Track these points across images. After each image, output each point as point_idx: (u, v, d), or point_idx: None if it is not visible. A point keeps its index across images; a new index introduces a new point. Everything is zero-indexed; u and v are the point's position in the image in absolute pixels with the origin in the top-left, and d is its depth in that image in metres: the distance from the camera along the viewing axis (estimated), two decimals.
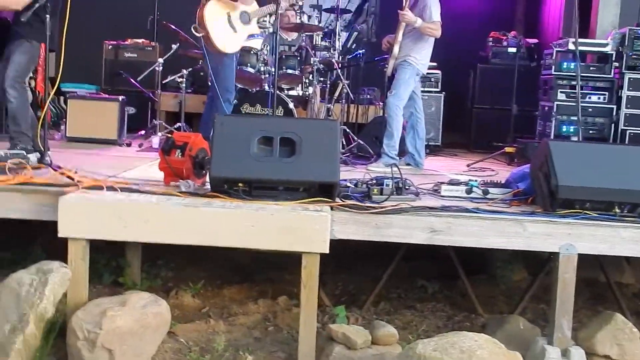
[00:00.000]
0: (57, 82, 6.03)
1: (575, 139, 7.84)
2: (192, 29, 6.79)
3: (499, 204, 4.84)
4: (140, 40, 10.52)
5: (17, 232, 5.62)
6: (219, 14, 6.67)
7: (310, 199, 4.38)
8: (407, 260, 5.79)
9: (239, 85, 7.79)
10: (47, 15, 5.51)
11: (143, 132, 8.73)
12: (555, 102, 8.15)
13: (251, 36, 7.27)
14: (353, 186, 4.84)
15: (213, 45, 6.70)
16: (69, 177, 4.79)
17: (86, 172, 5.16)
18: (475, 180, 5.28)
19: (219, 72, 6.95)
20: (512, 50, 9.99)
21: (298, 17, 8.64)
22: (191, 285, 5.40)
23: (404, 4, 6.97)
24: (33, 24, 5.80)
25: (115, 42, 10.44)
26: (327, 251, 4.20)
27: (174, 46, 8.73)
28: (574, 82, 7.95)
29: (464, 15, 10.52)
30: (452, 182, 5.27)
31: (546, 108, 8.44)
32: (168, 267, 5.76)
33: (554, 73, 8.24)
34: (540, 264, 5.60)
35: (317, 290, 4.29)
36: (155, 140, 8.06)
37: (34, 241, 5.70)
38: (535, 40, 10.27)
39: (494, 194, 5.03)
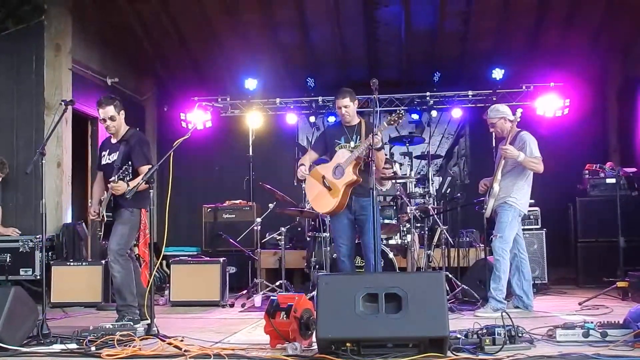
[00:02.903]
0: (162, 251, 6.18)
1: None
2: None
3: (621, 348, 4.54)
4: (237, 201, 10.83)
5: None
6: (315, 180, 6.88)
7: (421, 355, 4.22)
8: None
9: None
10: (152, 189, 5.71)
11: (245, 291, 8.80)
12: None
13: None
14: (463, 337, 4.66)
15: None
16: (176, 347, 4.80)
17: (192, 339, 5.19)
18: (592, 322, 4.99)
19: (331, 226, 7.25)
20: (611, 181, 9.77)
21: (390, 167, 8.71)
22: None
23: (505, 142, 6.96)
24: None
25: (213, 205, 10.76)
26: None
27: (271, 205, 8.91)
28: None
29: (556, 150, 10.42)
30: (566, 326, 5.00)
31: None
32: None
33: None
34: None
35: None
36: (258, 300, 8.09)
37: None
38: (633, 169, 10.03)
39: (613, 336, 4.74)
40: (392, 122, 6.60)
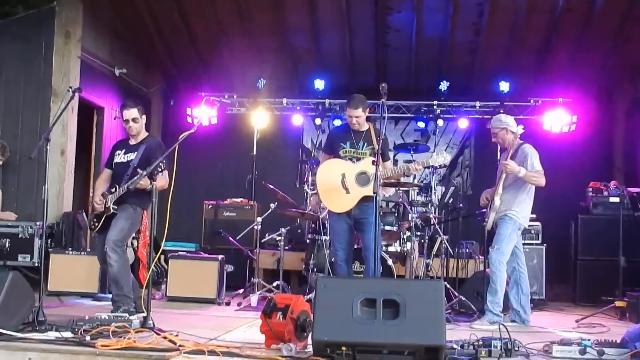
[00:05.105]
0: (161, 247, 6.16)
1: None
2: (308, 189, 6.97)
3: None
4: (239, 200, 10.82)
5: None
6: (332, 174, 6.78)
7: None
8: None
9: None
10: (154, 181, 5.69)
11: (242, 290, 8.78)
12: None
13: None
14: (459, 348, 4.65)
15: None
16: (171, 341, 4.78)
17: (187, 334, 5.16)
18: (589, 340, 4.97)
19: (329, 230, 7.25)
20: (615, 200, 9.72)
21: None
22: None
23: (507, 156, 6.95)
24: (139, 193, 6.07)
25: (214, 202, 10.74)
26: None
27: (272, 205, 8.90)
28: None
29: (561, 166, 10.39)
30: (563, 342, 4.98)
31: None
32: None
33: None
34: None
35: None
36: (254, 299, 8.07)
37: None
38: (637, 190, 10.00)
39: (610, 355, 4.72)
40: (437, 164, 6.69)
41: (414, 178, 9.65)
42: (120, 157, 6.67)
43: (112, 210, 6.37)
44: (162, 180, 6.12)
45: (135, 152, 6.55)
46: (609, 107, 11.94)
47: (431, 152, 9.38)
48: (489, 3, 10.23)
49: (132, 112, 6.59)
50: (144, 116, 6.69)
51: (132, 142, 6.71)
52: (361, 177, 6.66)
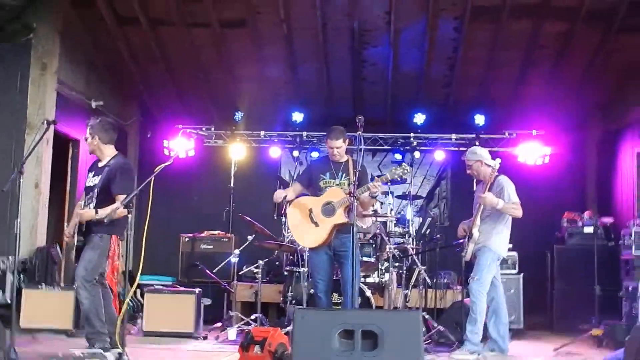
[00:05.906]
0: (137, 280, 6.07)
1: None
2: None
3: None
4: (216, 232, 10.75)
5: None
6: (300, 212, 6.82)
7: None
8: None
9: None
10: (130, 214, 5.60)
11: (219, 324, 8.71)
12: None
13: None
14: None
15: None
16: None
17: None
18: None
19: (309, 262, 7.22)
20: (589, 230, 9.84)
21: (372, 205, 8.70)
22: None
23: (484, 189, 7.00)
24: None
25: (191, 235, 10.67)
26: None
27: (250, 237, 8.87)
28: None
29: (536, 197, 10.46)
30: None
31: (630, 288, 8.17)
32: None
33: (634, 253, 8.07)
34: None
35: None
36: (232, 333, 8.01)
37: None
38: (610, 220, 10.12)
39: None
40: (396, 176, 6.63)
41: (391, 210, 9.64)
42: (90, 180, 6.46)
43: (77, 243, 6.19)
44: (108, 210, 5.87)
45: (100, 176, 6.30)
46: (581, 139, 12.12)
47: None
48: (464, 39, 10.36)
49: (86, 132, 6.45)
50: (96, 137, 6.39)
51: (100, 164, 6.49)
52: (326, 207, 6.69)
